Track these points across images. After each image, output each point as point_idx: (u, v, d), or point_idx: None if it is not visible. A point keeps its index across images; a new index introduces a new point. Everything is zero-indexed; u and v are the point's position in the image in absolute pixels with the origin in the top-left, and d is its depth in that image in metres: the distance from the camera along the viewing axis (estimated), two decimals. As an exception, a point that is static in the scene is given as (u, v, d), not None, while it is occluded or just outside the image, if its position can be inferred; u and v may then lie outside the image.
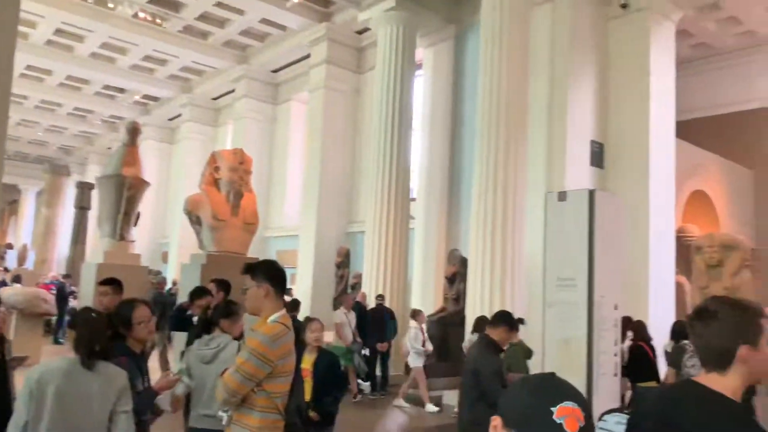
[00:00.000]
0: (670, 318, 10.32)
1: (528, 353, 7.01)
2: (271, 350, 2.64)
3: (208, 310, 4.14)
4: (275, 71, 19.16)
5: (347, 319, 9.25)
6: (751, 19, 13.53)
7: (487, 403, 3.75)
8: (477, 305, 8.83)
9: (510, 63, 9.45)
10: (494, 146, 9.25)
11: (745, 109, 14.65)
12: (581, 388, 6.51)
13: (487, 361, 3.83)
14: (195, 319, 4.97)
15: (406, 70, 12.44)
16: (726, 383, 1.56)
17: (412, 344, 8.65)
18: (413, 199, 12.92)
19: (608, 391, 6.49)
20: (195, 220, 8.63)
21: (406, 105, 12.39)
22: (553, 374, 1.21)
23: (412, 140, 12.64)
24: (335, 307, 14.03)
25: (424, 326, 8.88)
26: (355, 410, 8.55)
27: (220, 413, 2.84)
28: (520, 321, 6.50)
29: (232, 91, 20.00)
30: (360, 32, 16.00)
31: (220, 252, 8.38)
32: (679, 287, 11.04)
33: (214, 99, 22.24)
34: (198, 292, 5.05)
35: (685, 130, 12.49)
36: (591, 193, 7.30)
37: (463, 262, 10.08)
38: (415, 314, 9.20)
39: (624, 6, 11.11)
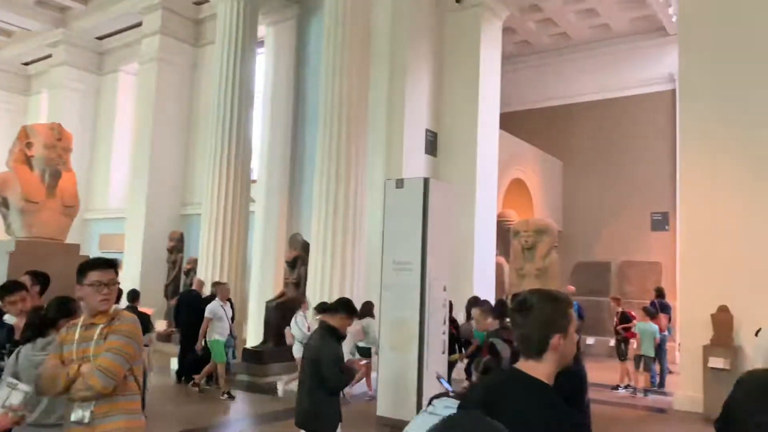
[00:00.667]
0: (491, 296, 11.33)
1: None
2: (139, 334, 2.79)
3: (40, 310, 3.62)
4: (101, 38, 17.45)
5: (224, 311, 8.67)
6: (565, 22, 15.13)
7: (326, 392, 3.83)
8: (318, 290, 8.94)
9: (352, 52, 9.59)
10: (336, 133, 9.36)
11: (559, 104, 16.41)
12: (413, 365, 6.93)
13: (328, 349, 3.90)
14: (7, 318, 4.34)
15: (247, 47, 12.03)
16: (542, 369, 1.73)
17: (298, 333, 8.38)
18: (254, 181, 12.63)
19: (438, 367, 6.97)
20: (1, 202, 7.62)
21: (246, 83, 12.01)
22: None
23: (253, 120, 12.31)
24: (168, 296, 13.32)
25: (308, 313, 8.64)
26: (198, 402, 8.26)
27: (81, 412, 2.60)
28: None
29: (48, 56, 17.85)
30: (198, 3, 15.13)
31: (33, 238, 7.53)
32: (498, 267, 12.15)
33: (25, 64, 19.69)
34: (9, 287, 4.38)
35: (507, 121, 13.67)
36: (426, 181, 7.73)
37: (305, 246, 10.11)
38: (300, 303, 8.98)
39: (458, 0, 11.80)
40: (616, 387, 10.04)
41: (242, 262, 11.66)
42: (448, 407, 2.60)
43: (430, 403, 2.18)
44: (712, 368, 8.06)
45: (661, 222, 14.53)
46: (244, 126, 11.88)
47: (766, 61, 8.71)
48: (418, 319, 7.06)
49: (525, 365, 1.76)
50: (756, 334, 6.08)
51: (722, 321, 8.23)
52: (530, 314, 1.75)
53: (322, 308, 7.05)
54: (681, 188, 10.09)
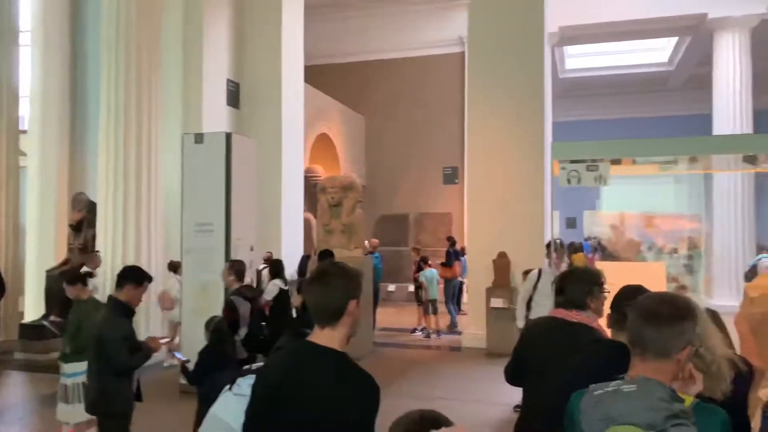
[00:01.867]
0: (299, 252, 11.40)
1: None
2: None
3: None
4: None
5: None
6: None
7: (114, 373, 3.50)
8: (109, 256, 8.13)
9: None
10: (123, 79, 8.37)
11: (361, 60, 16.68)
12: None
13: (113, 327, 3.53)
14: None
15: (5, -28, 10.13)
16: (337, 335, 1.85)
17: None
18: (24, 131, 10.91)
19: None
20: None
21: (8, 14, 10.19)
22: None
23: (20, 58, 10.55)
24: None
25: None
26: None
27: None
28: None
29: None
30: None
31: None
32: (306, 224, 12.24)
33: None
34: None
35: (312, 75, 13.56)
36: (228, 136, 7.35)
37: (92, 207, 9.08)
38: (176, 267, 8.01)
39: (259, -55, 11.19)
40: (414, 330, 10.89)
41: (14, 225, 10.14)
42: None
43: (234, 383, 2.06)
44: (494, 308, 9.10)
45: (452, 176, 15.81)
46: (6, 65, 10.13)
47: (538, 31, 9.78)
48: (222, 282, 6.81)
49: (320, 335, 1.85)
50: (524, 277, 6.99)
51: (501, 265, 9.28)
52: (329, 283, 1.85)
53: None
54: (468, 145, 11.02)
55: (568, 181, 3.36)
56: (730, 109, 13.90)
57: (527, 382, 2.71)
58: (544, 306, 5.80)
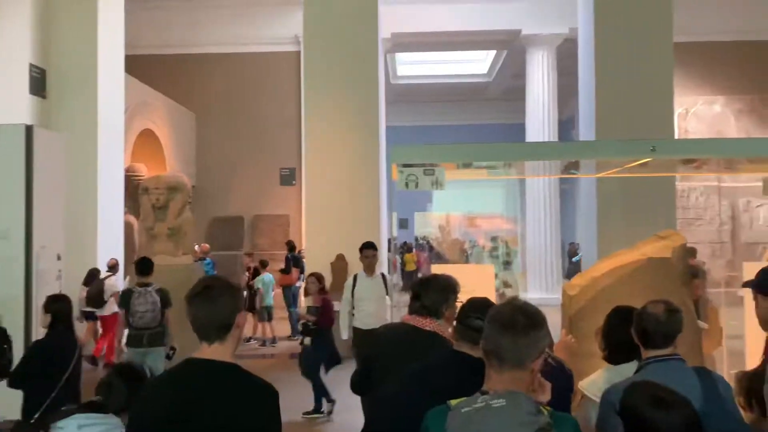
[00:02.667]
0: (120, 259, 10.35)
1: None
2: None
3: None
4: None
5: None
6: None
7: None
8: None
9: None
10: None
11: (191, 52, 15.69)
12: (18, 352, 5.79)
13: None
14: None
15: None
16: (226, 349, 1.85)
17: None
18: None
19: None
20: None
21: None
22: None
23: None
24: None
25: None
26: None
27: None
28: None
29: None
30: None
31: None
32: (128, 227, 11.17)
33: None
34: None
35: (135, 66, 12.43)
36: (29, 128, 6.41)
37: None
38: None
39: None
40: (248, 339, 10.45)
41: None
42: (83, 426, 2.18)
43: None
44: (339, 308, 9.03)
45: (289, 177, 15.54)
46: None
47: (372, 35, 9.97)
48: (23, 297, 5.90)
49: (208, 350, 1.84)
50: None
51: (339, 268, 9.27)
52: (218, 299, 1.84)
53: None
54: (305, 146, 10.88)
55: (406, 185, 3.35)
56: (540, 118, 15.40)
57: (374, 390, 2.63)
58: (365, 311, 5.77)
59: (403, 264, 17.65)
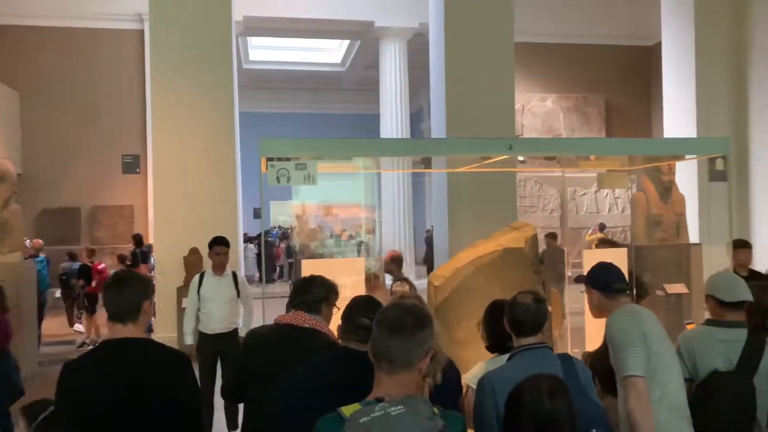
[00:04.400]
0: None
1: None
2: None
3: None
4: None
5: None
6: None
7: None
8: None
9: None
10: None
11: (12, 23, 13.84)
12: None
13: None
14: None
15: None
16: (138, 328, 2.18)
17: None
18: None
19: None
20: None
21: None
22: None
23: None
24: None
25: None
26: None
27: None
28: None
29: None
30: None
31: None
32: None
33: None
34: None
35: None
36: None
37: None
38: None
39: None
40: (83, 344, 9.58)
41: None
42: None
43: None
44: (185, 308, 8.55)
45: (132, 164, 14.38)
46: None
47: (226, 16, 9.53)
48: None
49: (123, 329, 2.14)
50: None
51: (192, 263, 8.79)
52: (127, 287, 2.18)
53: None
54: (152, 132, 10.13)
55: (278, 179, 3.24)
56: (393, 110, 15.83)
57: (250, 394, 2.53)
58: (211, 314, 5.17)
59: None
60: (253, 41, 18.86)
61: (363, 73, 20.71)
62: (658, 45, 11.59)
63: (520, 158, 6.98)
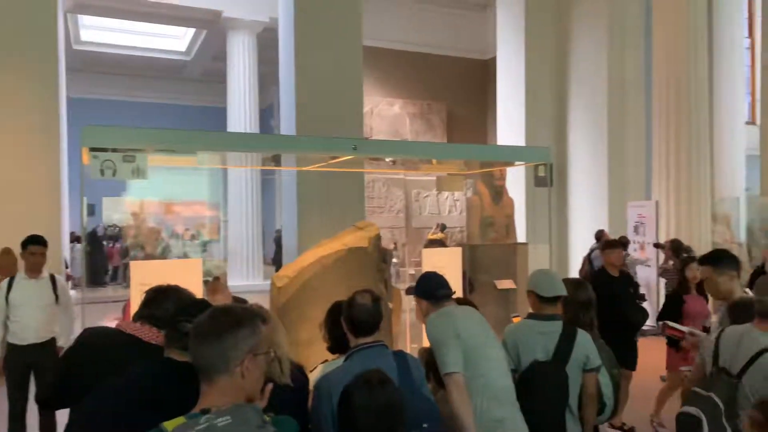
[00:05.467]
0: None
1: None
2: None
3: None
4: None
5: None
6: None
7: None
8: None
9: None
10: None
11: None
12: None
13: None
14: None
15: None
16: None
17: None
18: None
19: None
20: None
21: None
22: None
23: None
24: None
25: None
26: None
27: None
28: None
29: None
30: None
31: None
32: None
33: None
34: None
35: None
36: None
37: None
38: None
39: None
40: None
41: None
42: None
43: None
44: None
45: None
46: None
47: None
48: None
49: None
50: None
51: (6, 265, 7.74)
52: None
53: None
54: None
55: (102, 172, 2.93)
56: (241, 105, 15.33)
57: (77, 404, 2.26)
58: (23, 322, 4.58)
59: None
60: (86, 20, 17.18)
61: (210, 64, 19.83)
62: (494, 59, 12.51)
63: (388, 159, 7.08)
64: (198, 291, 3.68)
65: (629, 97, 10.94)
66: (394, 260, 11.92)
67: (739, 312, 2.94)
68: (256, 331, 1.57)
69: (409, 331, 4.86)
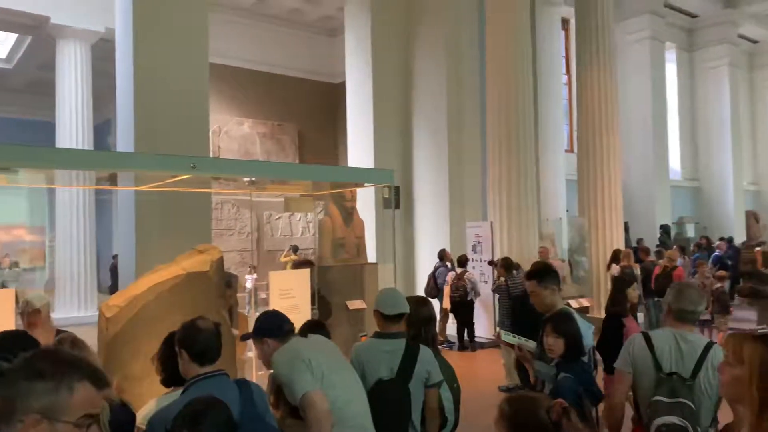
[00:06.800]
0: None
1: None
2: None
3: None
4: None
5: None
6: None
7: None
8: None
9: None
10: None
11: None
12: None
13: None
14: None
15: None
16: None
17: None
18: None
19: None
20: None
21: None
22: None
23: None
24: None
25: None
26: None
27: None
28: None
29: None
30: None
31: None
32: None
33: None
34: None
35: None
36: None
37: None
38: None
39: None
40: None
41: None
42: None
43: None
44: None
45: None
46: None
47: None
48: None
49: None
50: None
51: None
52: None
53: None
54: None
55: None
56: (72, 119, 14.03)
57: None
58: None
59: None
60: None
61: (35, 73, 17.95)
62: (344, 83, 12.78)
63: (246, 179, 6.75)
64: (10, 324, 3.24)
65: (466, 125, 11.74)
66: (249, 285, 11.56)
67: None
68: (60, 391, 1.22)
69: (255, 358, 4.69)
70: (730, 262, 12.87)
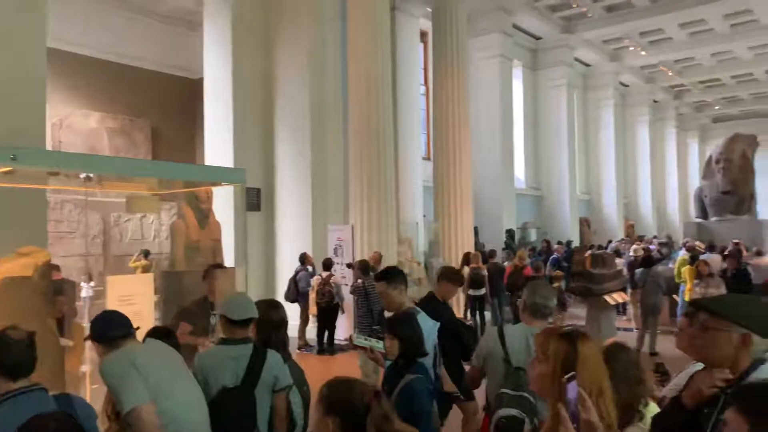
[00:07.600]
0: None
1: None
2: None
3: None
4: None
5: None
6: None
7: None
8: None
9: None
10: None
11: None
12: None
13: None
14: None
15: None
16: None
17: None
18: None
19: None
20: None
21: None
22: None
23: None
24: None
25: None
26: None
27: None
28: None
29: None
30: None
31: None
32: None
33: None
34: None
35: None
36: None
37: None
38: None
39: None
40: None
41: None
42: None
43: None
44: None
45: None
46: None
47: None
48: None
49: None
50: None
51: None
52: None
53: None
54: None
55: None
56: None
57: None
58: None
59: None
60: None
61: None
62: (203, 80, 12.26)
63: (83, 175, 6.10)
64: None
65: (329, 127, 11.80)
66: (84, 293, 10.64)
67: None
68: None
69: (93, 371, 4.32)
70: (566, 264, 14.21)
